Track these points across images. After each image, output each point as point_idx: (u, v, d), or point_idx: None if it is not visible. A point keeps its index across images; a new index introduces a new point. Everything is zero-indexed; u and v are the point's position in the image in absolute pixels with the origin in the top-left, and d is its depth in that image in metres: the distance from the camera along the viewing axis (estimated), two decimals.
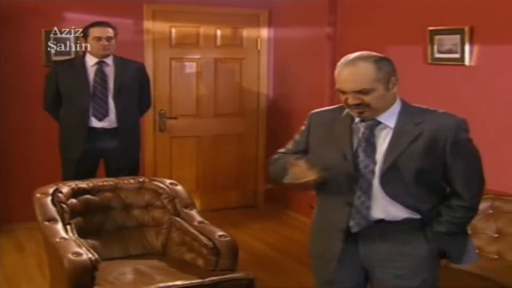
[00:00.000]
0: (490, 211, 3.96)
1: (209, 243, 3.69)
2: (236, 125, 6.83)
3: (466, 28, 4.48)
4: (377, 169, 2.54)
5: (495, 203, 3.95)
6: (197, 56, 6.54)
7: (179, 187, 4.23)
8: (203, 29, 6.50)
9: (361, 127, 2.59)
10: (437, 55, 4.74)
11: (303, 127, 2.89)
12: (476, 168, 2.63)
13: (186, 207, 4.12)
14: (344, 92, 2.52)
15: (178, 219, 4.04)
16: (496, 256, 3.88)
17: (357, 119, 2.59)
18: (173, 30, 6.39)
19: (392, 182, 2.53)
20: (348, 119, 2.63)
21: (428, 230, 2.61)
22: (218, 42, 6.59)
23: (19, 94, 5.81)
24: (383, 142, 2.56)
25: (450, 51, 4.62)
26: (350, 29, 5.83)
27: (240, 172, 6.89)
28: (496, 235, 3.92)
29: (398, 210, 2.57)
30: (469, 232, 3.19)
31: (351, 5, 5.81)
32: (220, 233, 3.79)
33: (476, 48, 4.49)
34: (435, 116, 2.58)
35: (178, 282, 3.43)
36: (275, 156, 2.95)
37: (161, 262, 3.84)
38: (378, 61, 2.51)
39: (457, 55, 4.57)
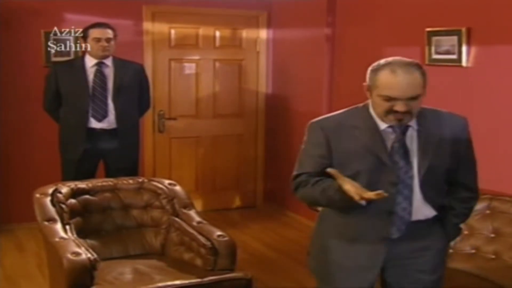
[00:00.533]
0: (487, 211, 3.97)
1: (208, 243, 3.71)
2: (235, 126, 6.84)
3: (464, 29, 4.50)
4: (415, 173, 2.56)
5: (492, 204, 3.97)
6: (196, 57, 6.55)
7: (177, 188, 4.25)
8: (202, 30, 6.52)
9: (391, 133, 2.55)
10: (435, 56, 4.75)
11: (313, 141, 2.67)
12: (476, 162, 2.77)
13: (184, 207, 4.14)
14: (391, 99, 2.45)
15: (177, 219, 4.06)
16: (493, 256, 3.89)
17: (383, 125, 2.55)
18: (172, 31, 6.40)
19: (429, 185, 2.59)
20: (371, 125, 2.58)
21: (447, 223, 2.72)
22: (217, 43, 6.61)
23: (19, 95, 5.83)
24: (412, 145, 2.57)
25: (447, 52, 4.64)
26: (349, 30, 5.85)
27: (239, 173, 6.91)
28: (493, 235, 3.92)
29: (429, 210, 2.65)
30: (465, 232, 3.26)
31: (350, 6, 5.83)
32: (219, 233, 3.81)
33: (473, 49, 4.51)
34: (446, 116, 2.67)
35: (177, 282, 3.44)
36: (299, 179, 2.69)
37: (160, 262, 3.86)
38: (420, 67, 2.51)
39: (454, 56, 4.59)
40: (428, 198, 2.60)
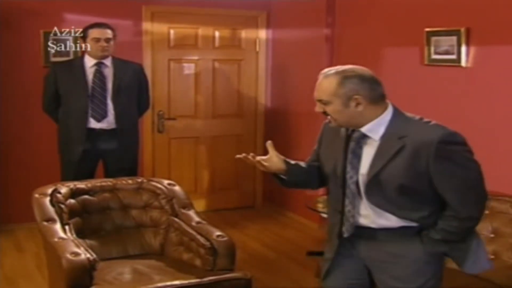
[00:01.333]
0: (486, 212, 3.95)
1: (207, 243, 3.71)
2: (235, 126, 6.84)
3: (463, 30, 4.51)
4: (361, 181, 2.61)
5: (491, 204, 3.95)
6: (196, 57, 6.56)
7: (177, 188, 4.25)
8: (201, 30, 6.52)
9: (354, 139, 2.64)
10: (434, 56, 4.76)
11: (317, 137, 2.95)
12: (470, 181, 2.55)
13: (184, 207, 4.14)
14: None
15: (176, 219, 4.06)
16: (492, 256, 3.88)
17: (349, 131, 2.67)
18: (172, 31, 6.40)
19: (376, 195, 2.59)
20: (344, 130, 2.70)
21: (424, 235, 2.64)
22: (217, 43, 6.61)
23: (18, 95, 5.83)
24: (367, 155, 2.60)
25: (446, 52, 4.65)
26: (348, 30, 5.85)
27: (238, 173, 6.90)
28: (492, 235, 3.93)
29: (389, 219, 2.62)
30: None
31: (349, 6, 5.83)
32: (218, 233, 3.81)
33: (472, 49, 4.51)
34: (421, 128, 2.53)
35: (176, 282, 3.44)
36: None
37: (159, 262, 3.86)
38: (346, 77, 2.55)
39: (453, 56, 4.60)
40: (380, 206, 2.60)
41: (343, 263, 2.80)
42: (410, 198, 2.57)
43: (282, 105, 6.71)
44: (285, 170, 2.83)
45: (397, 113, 2.60)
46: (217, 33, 6.59)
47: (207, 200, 6.76)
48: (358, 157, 2.62)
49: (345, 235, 2.72)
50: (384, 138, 2.56)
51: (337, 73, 2.58)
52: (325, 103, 2.57)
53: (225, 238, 3.76)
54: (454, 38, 4.57)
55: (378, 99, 2.56)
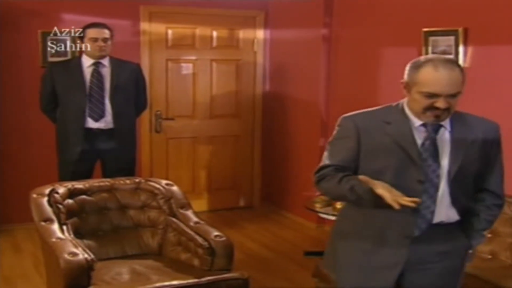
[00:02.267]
0: None
1: (205, 243, 3.71)
2: (232, 126, 6.84)
3: (460, 30, 4.52)
4: (444, 173, 2.54)
5: None
6: (193, 57, 6.55)
7: (174, 188, 4.25)
8: (199, 30, 6.52)
9: (424, 131, 2.54)
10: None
11: (342, 134, 2.66)
12: (503, 166, 2.73)
13: (181, 207, 4.14)
14: (432, 96, 2.44)
15: (174, 219, 4.06)
16: (489, 256, 3.90)
17: (417, 123, 2.54)
18: (170, 31, 6.40)
19: (458, 186, 2.56)
20: (404, 122, 2.57)
21: (471, 229, 2.68)
22: (214, 43, 6.61)
23: (16, 95, 5.82)
24: (444, 146, 2.55)
25: (444, 52, 4.65)
26: (346, 30, 5.85)
27: (236, 173, 6.91)
28: (489, 235, 3.93)
29: (454, 213, 2.61)
30: None
31: (347, 6, 5.83)
32: (216, 233, 3.81)
33: (470, 49, 4.52)
34: (479, 121, 2.66)
35: (174, 282, 3.45)
36: (323, 171, 2.66)
37: (157, 262, 3.86)
38: (459, 65, 2.52)
39: (451, 56, 4.60)
40: (455, 200, 2.57)
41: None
42: (474, 189, 2.66)
43: (280, 106, 6.70)
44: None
45: None
46: (215, 33, 6.59)
47: (205, 200, 6.75)
48: (437, 149, 2.54)
49: (415, 234, 2.57)
50: (455, 129, 2.56)
51: (452, 61, 2.50)
52: (456, 94, 2.46)
53: (223, 238, 3.76)
54: (452, 38, 4.58)
55: None
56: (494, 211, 2.71)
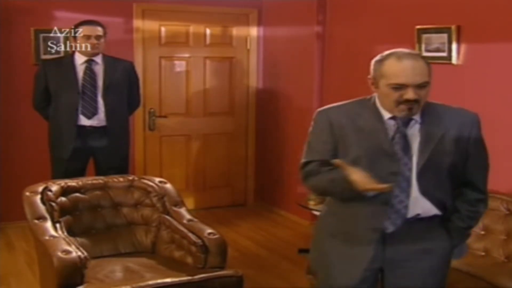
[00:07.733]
0: None
1: (198, 241, 3.71)
2: (226, 124, 6.84)
3: (453, 27, 4.52)
4: (414, 166, 2.51)
5: None
6: (187, 55, 6.55)
7: (168, 185, 4.24)
8: (192, 28, 6.51)
9: (393, 124, 2.53)
10: (425, 54, 4.76)
11: (317, 128, 2.67)
12: (488, 162, 2.69)
13: (175, 205, 4.14)
14: (402, 87, 2.43)
15: (167, 217, 4.05)
16: (483, 253, 3.91)
17: (387, 116, 2.54)
18: (163, 29, 6.39)
19: (428, 178, 2.52)
20: (375, 114, 2.57)
21: (451, 226, 2.64)
22: (208, 40, 6.60)
23: (9, 93, 5.80)
24: (414, 138, 2.53)
25: (437, 50, 4.66)
26: (339, 28, 5.86)
27: (230, 171, 6.91)
28: (482, 232, 3.95)
29: (428, 206, 2.56)
30: None
31: (340, 4, 5.84)
32: (209, 231, 3.81)
33: (463, 46, 4.53)
34: (455, 112, 2.62)
35: (168, 280, 3.44)
36: (308, 168, 2.67)
37: (150, 260, 3.86)
38: (423, 57, 2.53)
39: (444, 54, 4.61)
40: (425, 192, 2.52)
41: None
42: (451, 182, 2.59)
43: (273, 103, 6.70)
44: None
45: None
46: (208, 31, 6.58)
47: (199, 198, 6.75)
48: (408, 142, 2.52)
49: (389, 230, 2.54)
50: (426, 121, 2.54)
51: (412, 53, 2.51)
52: (424, 86, 2.45)
53: (216, 236, 3.76)
54: (445, 35, 4.59)
55: None
56: (476, 207, 2.65)
